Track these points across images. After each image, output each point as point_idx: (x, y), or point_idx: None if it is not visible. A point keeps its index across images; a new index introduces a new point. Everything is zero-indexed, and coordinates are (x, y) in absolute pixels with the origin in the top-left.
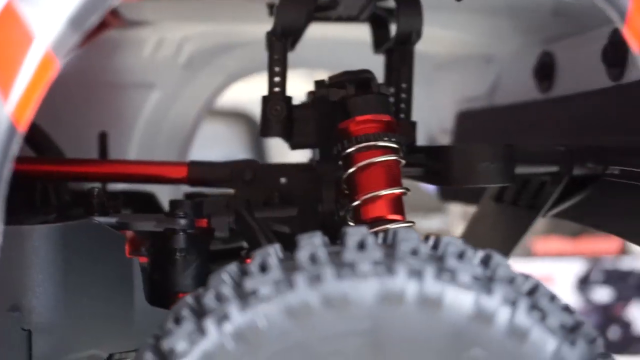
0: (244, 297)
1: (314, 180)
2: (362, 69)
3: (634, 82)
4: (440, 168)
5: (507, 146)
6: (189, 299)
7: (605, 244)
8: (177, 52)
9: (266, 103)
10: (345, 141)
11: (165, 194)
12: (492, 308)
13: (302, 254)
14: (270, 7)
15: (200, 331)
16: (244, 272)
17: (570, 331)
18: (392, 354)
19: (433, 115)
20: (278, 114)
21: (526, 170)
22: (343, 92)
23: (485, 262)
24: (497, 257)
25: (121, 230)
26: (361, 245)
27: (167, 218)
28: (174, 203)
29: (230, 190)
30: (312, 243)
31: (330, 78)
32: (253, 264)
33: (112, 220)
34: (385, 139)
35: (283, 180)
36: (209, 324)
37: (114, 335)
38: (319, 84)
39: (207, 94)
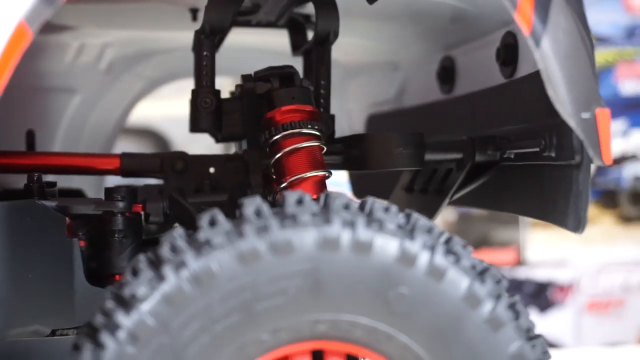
0: (198, 246)
1: (242, 169)
2: (285, 65)
3: (524, 77)
4: (358, 155)
5: (417, 134)
6: (142, 256)
7: (502, 255)
8: (99, 58)
9: (196, 97)
10: (272, 129)
11: (91, 191)
12: (415, 251)
13: (248, 209)
14: (194, 12)
15: (160, 277)
16: (194, 230)
17: (480, 272)
18: (329, 292)
19: (344, 120)
20: (208, 107)
21: (434, 157)
22: (268, 85)
23: (407, 216)
24: (416, 214)
25: (61, 213)
26: (299, 202)
27: (106, 202)
28: (110, 189)
29: (159, 182)
30: (256, 201)
31: (256, 73)
32: (203, 221)
33: (53, 203)
34: (309, 126)
35: (212, 169)
36: (167, 271)
37: (56, 312)
38: (245, 78)
39: (128, 100)
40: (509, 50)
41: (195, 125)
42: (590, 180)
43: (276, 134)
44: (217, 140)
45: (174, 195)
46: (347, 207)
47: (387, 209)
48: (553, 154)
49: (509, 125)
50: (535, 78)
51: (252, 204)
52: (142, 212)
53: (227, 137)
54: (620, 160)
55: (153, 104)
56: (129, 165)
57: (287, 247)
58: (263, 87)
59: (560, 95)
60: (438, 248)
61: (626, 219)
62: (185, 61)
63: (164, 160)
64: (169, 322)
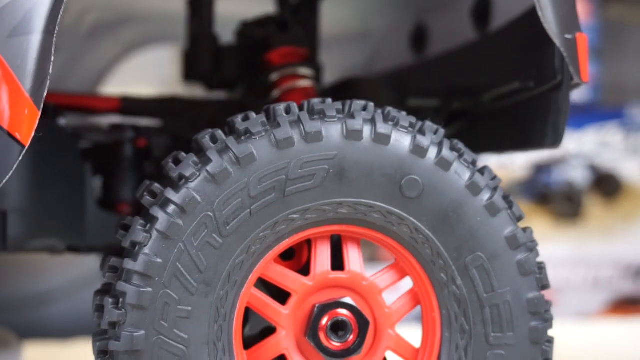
0: (238, 135)
1: (238, 111)
2: (281, 13)
3: (497, 31)
4: (347, 97)
5: (402, 78)
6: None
7: None
8: (79, 21)
9: (196, 41)
10: (272, 69)
11: None
12: (426, 145)
13: (279, 108)
14: None
15: (205, 159)
16: (232, 123)
17: (480, 168)
18: (351, 177)
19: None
20: (210, 50)
21: (416, 102)
22: (265, 30)
23: (417, 119)
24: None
25: (75, 137)
26: (323, 102)
27: (115, 130)
28: (115, 125)
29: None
30: (285, 103)
31: (253, 20)
32: (236, 119)
33: (67, 128)
34: (305, 67)
35: (209, 111)
36: (212, 154)
37: (69, 230)
38: (244, 24)
39: (103, 64)
40: (482, 7)
41: (195, 70)
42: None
43: (275, 74)
44: (211, 87)
45: (177, 132)
46: (365, 108)
47: (399, 112)
48: (532, 84)
49: (484, 77)
50: (510, 29)
51: (282, 105)
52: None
53: (224, 81)
54: (550, 164)
55: None
56: (128, 106)
57: (317, 136)
58: (260, 32)
59: (548, 16)
60: (445, 143)
61: (558, 220)
62: (162, 27)
63: (162, 102)
64: (213, 198)
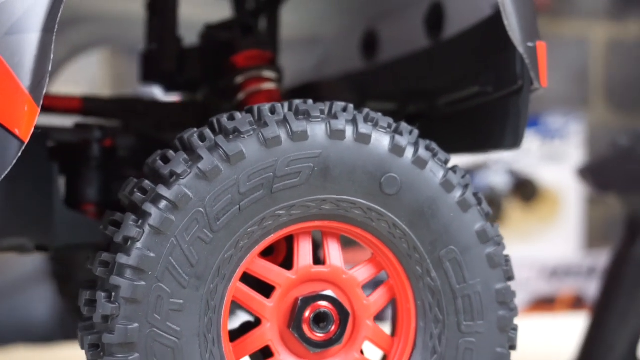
0: (227, 134)
1: (200, 113)
2: (245, 17)
3: (450, 39)
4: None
5: (361, 81)
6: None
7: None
8: None
9: (162, 41)
10: (236, 72)
11: None
12: (403, 145)
13: (264, 108)
14: None
15: (196, 157)
16: (218, 122)
17: (452, 166)
18: (335, 175)
19: None
20: (174, 50)
21: (374, 106)
22: (229, 34)
23: (393, 120)
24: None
25: (42, 137)
26: (305, 103)
27: (82, 130)
28: (81, 124)
29: None
30: (270, 104)
31: (218, 23)
32: (222, 118)
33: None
34: (270, 70)
35: (172, 113)
36: (203, 151)
37: (39, 229)
38: (208, 27)
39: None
40: (435, 16)
41: (156, 71)
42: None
43: (240, 77)
44: (171, 89)
45: (142, 132)
46: (345, 109)
47: (377, 113)
48: (491, 89)
49: (438, 82)
50: (464, 37)
51: (266, 105)
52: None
53: (186, 83)
54: (472, 169)
55: None
56: (90, 106)
57: (303, 135)
58: (225, 35)
59: (513, 25)
60: (420, 143)
61: None
62: (112, 29)
63: (125, 103)
64: (204, 195)
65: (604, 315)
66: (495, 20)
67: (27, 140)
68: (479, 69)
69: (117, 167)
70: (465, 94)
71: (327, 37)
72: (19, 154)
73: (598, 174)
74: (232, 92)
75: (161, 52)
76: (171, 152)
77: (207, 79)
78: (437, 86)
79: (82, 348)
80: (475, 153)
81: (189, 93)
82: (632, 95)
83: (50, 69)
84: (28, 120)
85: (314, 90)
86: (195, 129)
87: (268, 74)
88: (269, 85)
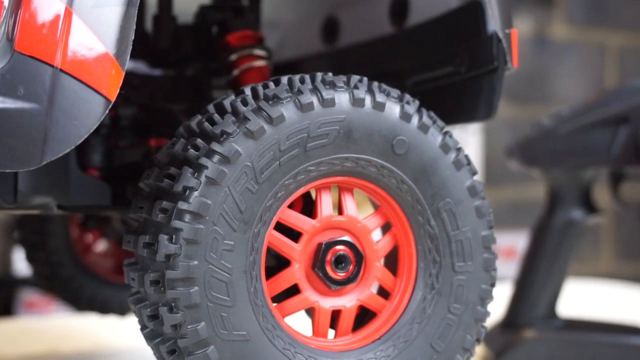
0: (267, 99)
1: (191, 85)
2: None
3: (416, 26)
4: None
5: (336, 65)
6: (211, 106)
7: None
8: None
9: (158, 22)
10: (230, 51)
11: None
12: (411, 112)
13: (296, 79)
14: None
15: (244, 118)
16: (254, 90)
17: (447, 132)
18: (356, 137)
19: None
20: (170, 28)
21: None
22: (221, 14)
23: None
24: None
25: None
26: (329, 75)
27: None
28: None
29: None
30: (299, 75)
31: (211, 4)
32: (258, 87)
33: None
34: (261, 49)
35: (165, 85)
36: (249, 113)
37: (59, 190)
38: (202, 7)
39: None
40: (399, 6)
41: (150, 47)
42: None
43: (234, 55)
44: (156, 65)
45: (144, 100)
46: (361, 81)
47: (387, 86)
48: (464, 69)
49: (404, 65)
50: (431, 25)
51: (296, 76)
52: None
53: (178, 59)
54: None
55: None
56: None
57: (331, 102)
58: (218, 16)
59: (495, 15)
60: (424, 112)
61: None
62: None
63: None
64: (251, 151)
65: (529, 276)
66: (466, 11)
67: (113, 100)
68: (452, 52)
69: (120, 135)
70: (436, 74)
71: (287, 21)
72: (106, 112)
73: (523, 151)
74: (224, 69)
75: (157, 30)
76: (217, 115)
77: (199, 55)
78: (403, 68)
79: (140, 287)
80: (451, 125)
81: (177, 69)
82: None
83: (133, 38)
84: (114, 83)
85: (299, 67)
86: (233, 96)
87: (259, 52)
88: (260, 63)
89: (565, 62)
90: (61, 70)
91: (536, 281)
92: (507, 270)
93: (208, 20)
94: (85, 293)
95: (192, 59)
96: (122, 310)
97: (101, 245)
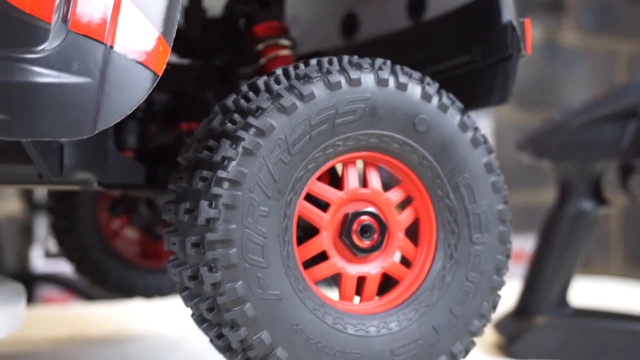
0: (298, 79)
1: (217, 74)
2: None
3: (432, 20)
4: None
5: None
6: (245, 86)
7: None
8: None
9: (188, 14)
10: (256, 41)
11: None
12: (432, 93)
13: (324, 60)
14: None
15: (277, 95)
16: (286, 71)
17: (465, 112)
18: (380, 115)
19: None
20: (200, 19)
21: None
22: (248, 7)
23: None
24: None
25: None
26: (355, 57)
27: None
28: None
29: None
30: (326, 57)
31: None
32: (289, 68)
33: None
34: (286, 39)
35: (193, 74)
36: (283, 91)
37: (98, 168)
38: (230, 1)
39: None
40: (416, 2)
41: (184, 34)
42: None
43: (260, 45)
44: (191, 56)
45: (173, 87)
46: (385, 63)
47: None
48: (479, 58)
49: (420, 57)
50: (447, 18)
51: (325, 58)
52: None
53: (206, 50)
54: None
55: None
56: None
57: (357, 82)
58: (245, 8)
59: (509, 4)
60: (443, 93)
61: None
62: None
63: None
64: (284, 125)
65: (540, 266)
66: (482, 2)
67: (160, 74)
68: (468, 42)
69: (153, 120)
70: (452, 64)
71: (306, 18)
72: (153, 86)
73: (534, 144)
74: (251, 58)
75: (187, 22)
76: (251, 93)
77: (227, 46)
78: (421, 59)
79: (181, 250)
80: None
81: (205, 59)
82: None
83: (179, 18)
84: (161, 58)
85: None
86: (265, 77)
87: (285, 42)
88: (285, 52)
89: (574, 69)
90: (112, 47)
91: (547, 270)
92: (516, 271)
93: (235, 13)
94: (113, 276)
95: (220, 50)
96: (147, 293)
97: (128, 232)
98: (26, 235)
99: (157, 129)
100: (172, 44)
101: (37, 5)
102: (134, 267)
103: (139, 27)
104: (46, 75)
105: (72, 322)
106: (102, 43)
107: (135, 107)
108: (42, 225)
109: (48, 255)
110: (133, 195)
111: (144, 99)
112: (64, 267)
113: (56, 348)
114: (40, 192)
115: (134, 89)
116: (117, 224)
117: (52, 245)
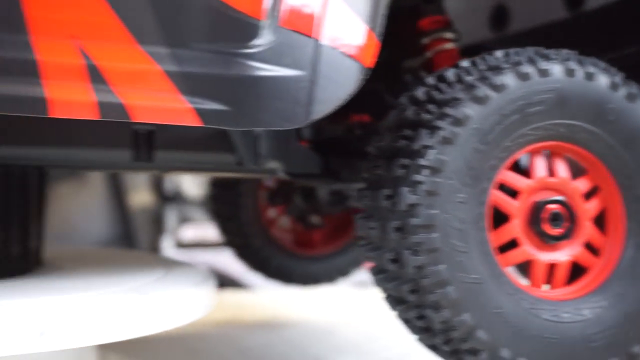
0: (491, 69)
1: (381, 67)
2: None
3: (591, 10)
4: None
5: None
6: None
7: None
8: None
9: None
10: (422, 34)
11: None
12: (618, 82)
13: (512, 52)
14: None
15: (471, 86)
16: (474, 63)
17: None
18: (568, 104)
19: None
20: None
21: None
22: (413, 1)
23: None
24: None
25: None
26: (542, 49)
27: None
28: None
29: None
30: (512, 50)
31: None
32: (478, 59)
33: None
34: (451, 32)
35: None
36: (476, 82)
37: (285, 156)
38: None
39: None
40: None
41: None
42: None
43: (426, 38)
44: None
45: None
46: (569, 53)
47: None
48: None
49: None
50: (608, 7)
51: (512, 50)
52: None
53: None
54: None
55: None
56: None
57: (546, 72)
58: (410, 2)
59: None
60: (630, 83)
61: None
62: None
63: None
64: (479, 115)
65: None
66: None
67: (370, 66)
68: (629, 34)
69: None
70: (614, 55)
71: (455, 12)
72: (363, 78)
73: None
74: (416, 52)
75: None
76: (442, 84)
77: (391, 40)
78: (580, 51)
79: (382, 235)
80: None
81: None
82: None
83: (384, 12)
84: (370, 51)
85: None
86: (454, 69)
87: (449, 35)
88: (450, 45)
89: None
90: (321, 41)
91: None
92: None
93: (400, 8)
94: (273, 263)
95: (384, 44)
96: (304, 281)
97: (283, 220)
98: (157, 226)
99: (327, 121)
100: (381, 37)
101: (248, 3)
102: (291, 255)
103: (348, 22)
104: (263, 69)
105: (227, 306)
106: (311, 38)
107: (347, 98)
108: (172, 216)
109: (179, 245)
110: (289, 186)
111: (354, 90)
112: (194, 257)
113: (218, 331)
114: (170, 184)
115: (344, 81)
116: (274, 213)
117: (183, 236)
